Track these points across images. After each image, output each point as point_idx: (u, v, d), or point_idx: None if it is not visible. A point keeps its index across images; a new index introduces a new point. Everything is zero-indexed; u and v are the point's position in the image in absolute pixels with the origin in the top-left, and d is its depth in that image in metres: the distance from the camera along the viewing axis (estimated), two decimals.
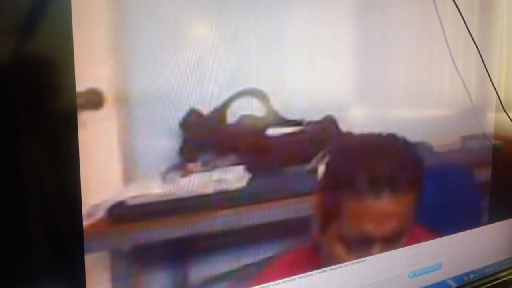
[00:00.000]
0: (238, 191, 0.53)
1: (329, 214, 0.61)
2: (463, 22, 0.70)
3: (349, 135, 0.61)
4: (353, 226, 0.63)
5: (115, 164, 0.46)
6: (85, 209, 0.45)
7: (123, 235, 0.47)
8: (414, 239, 0.70)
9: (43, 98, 0.42)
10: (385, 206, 0.65)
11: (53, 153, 0.43)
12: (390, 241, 0.67)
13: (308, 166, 0.58)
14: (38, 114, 0.42)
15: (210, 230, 0.52)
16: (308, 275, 0.60)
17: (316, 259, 0.60)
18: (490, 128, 0.77)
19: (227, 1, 0.51)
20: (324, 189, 0.60)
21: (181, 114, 0.49)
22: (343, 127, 0.60)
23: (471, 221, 0.77)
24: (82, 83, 0.43)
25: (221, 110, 0.51)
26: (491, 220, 0.79)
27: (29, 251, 0.43)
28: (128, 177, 0.47)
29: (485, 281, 0.79)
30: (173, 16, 0.48)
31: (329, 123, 0.59)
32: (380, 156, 0.65)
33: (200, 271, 0.52)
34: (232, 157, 0.53)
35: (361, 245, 0.64)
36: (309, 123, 0.58)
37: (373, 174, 0.64)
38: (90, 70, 0.44)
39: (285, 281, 0.58)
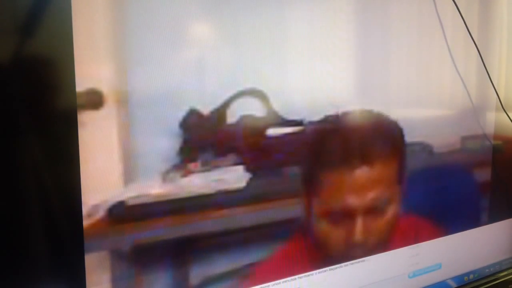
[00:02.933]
0: (238, 191, 0.53)
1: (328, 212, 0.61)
2: (463, 22, 0.70)
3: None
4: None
5: (115, 164, 0.46)
6: (85, 209, 0.45)
7: (123, 235, 0.47)
8: (415, 239, 0.70)
9: (43, 98, 0.42)
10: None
11: (53, 153, 0.43)
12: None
13: (308, 166, 0.58)
14: (38, 114, 0.42)
15: (210, 230, 0.52)
16: (308, 275, 0.60)
17: (316, 258, 0.60)
18: (490, 128, 0.77)
19: (227, 1, 0.51)
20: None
21: (181, 114, 0.49)
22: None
23: (471, 221, 0.77)
24: (82, 83, 0.43)
25: (221, 110, 0.51)
26: (491, 220, 0.79)
27: (29, 251, 0.43)
28: (128, 177, 0.47)
29: (485, 281, 0.79)
30: (173, 16, 0.48)
31: (329, 123, 0.59)
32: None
33: (200, 271, 0.52)
34: (232, 157, 0.53)
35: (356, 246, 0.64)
36: (309, 123, 0.58)
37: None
38: (90, 70, 0.44)
39: (285, 281, 0.58)
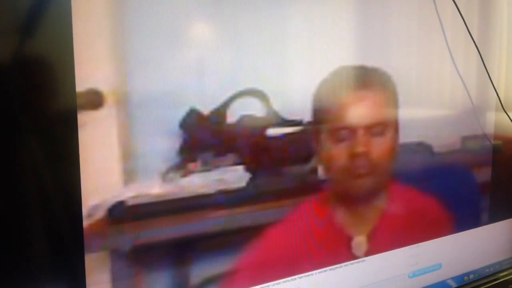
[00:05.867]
0: (238, 191, 0.53)
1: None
2: (463, 22, 0.70)
3: None
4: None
5: (115, 164, 0.46)
6: (85, 209, 0.45)
7: (123, 235, 0.47)
8: (414, 239, 0.70)
9: (43, 98, 0.42)
10: None
11: (53, 153, 0.43)
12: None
13: (308, 166, 0.58)
14: (38, 114, 0.42)
15: (210, 230, 0.52)
16: (308, 275, 0.60)
17: (317, 258, 0.60)
18: (490, 128, 0.77)
19: (227, 1, 0.51)
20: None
21: (181, 114, 0.49)
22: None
23: (471, 221, 0.77)
24: (82, 83, 0.43)
25: (221, 110, 0.51)
26: (491, 220, 0.79)
27: (29, 251, 0.43)
28: (128, 177, 0.47)
29: (485, 281, 0.79)
30: (173, 16, 0.48)
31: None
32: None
33: (200, 271, 0.52)
34: (232, 157, 0.53)
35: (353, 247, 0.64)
36: (309, 123, 0.58)
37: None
38: (90, 70, 0.44)
39: (285, 281, 0.58)
